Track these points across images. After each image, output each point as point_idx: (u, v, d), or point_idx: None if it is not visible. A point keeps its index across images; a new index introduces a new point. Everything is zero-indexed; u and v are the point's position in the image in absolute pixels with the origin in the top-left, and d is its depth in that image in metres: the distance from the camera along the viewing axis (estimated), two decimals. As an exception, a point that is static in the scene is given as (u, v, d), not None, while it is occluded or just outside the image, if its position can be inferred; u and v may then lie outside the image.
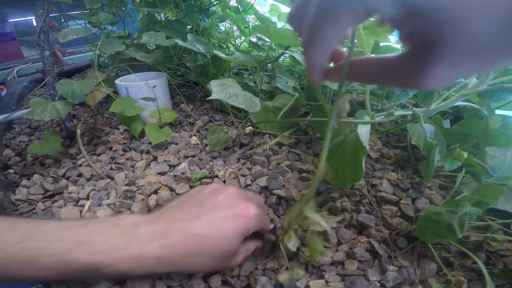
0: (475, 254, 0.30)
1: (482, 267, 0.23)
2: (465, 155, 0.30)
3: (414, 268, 0.30)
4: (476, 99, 0.45)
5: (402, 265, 0.30)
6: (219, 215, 0.26)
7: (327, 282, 0.28)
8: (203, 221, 0.26)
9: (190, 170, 0.39)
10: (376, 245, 0.30)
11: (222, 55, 0.50)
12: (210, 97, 0.38)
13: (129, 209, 0.35)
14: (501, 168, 0.29)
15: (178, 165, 0.43)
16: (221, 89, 0.39)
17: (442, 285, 0.29)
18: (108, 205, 0.36)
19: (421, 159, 0.40)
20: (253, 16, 0.74)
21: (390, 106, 0.51)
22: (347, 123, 0.35)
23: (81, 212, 0.37)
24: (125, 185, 0.39)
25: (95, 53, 0.66)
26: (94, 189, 0.40)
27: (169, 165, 0.43)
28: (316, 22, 0.18)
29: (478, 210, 0.24)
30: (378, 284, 0.28)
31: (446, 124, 0.46)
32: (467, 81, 0.31)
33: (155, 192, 0.36)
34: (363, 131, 0.27)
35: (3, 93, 1.21)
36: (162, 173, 0.40)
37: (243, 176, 0.39)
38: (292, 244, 0.30)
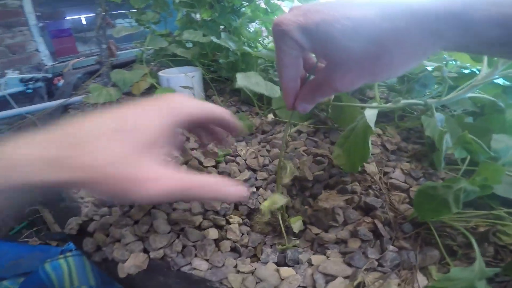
0: (482, 246, 0.30)
1: (476, 248, 0.25)
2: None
3: (416, 253, 0.31)
4: (498, 94, 0.45)
5: (403, 247, 0.31)
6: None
7: (327, 257, 0.31)
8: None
9: (217, 148, 0.45)
10: (379, 225, 0.32)
11: (250, 51, 0.56)
12: (236, 85, 0.43)
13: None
14: (506, 154, 0.30)
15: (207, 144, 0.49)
16: (245, 79, 0.45)
17: (442, 274, 0.30)
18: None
19: (438, 152, 0.41)
20: (281, 17, 0.79)
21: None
22: (357, 107, 0.38)
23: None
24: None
25: (140, 49, 0.76)
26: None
27: (199, 144, 0.49)
28: (275, 56, 0.24)
29: (475, 188, 0.25)
30: (376, 263, 0.29)
31: (469, 120, 0.47)
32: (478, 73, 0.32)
33: (186, 162, 0.41)
34: (370, 113, 0.30)
35: (60, 83, 1.39)
36: (193, 149, 0.46)
37: (262, 156, 0.43)
38: (297, 227, 0.34)
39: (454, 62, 0.57)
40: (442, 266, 0.30)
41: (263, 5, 0.81)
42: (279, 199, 0.30)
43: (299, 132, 0.49)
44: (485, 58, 0.36)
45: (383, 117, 0.56)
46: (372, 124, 0.30)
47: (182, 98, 0.26)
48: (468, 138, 0.28)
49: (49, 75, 1.49)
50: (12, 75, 1.52)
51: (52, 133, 0.20)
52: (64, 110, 0.76)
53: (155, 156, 0.21)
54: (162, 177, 0.21)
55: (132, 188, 0.19)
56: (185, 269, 0.31)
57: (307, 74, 0.29)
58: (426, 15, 0.19)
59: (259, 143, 0.49)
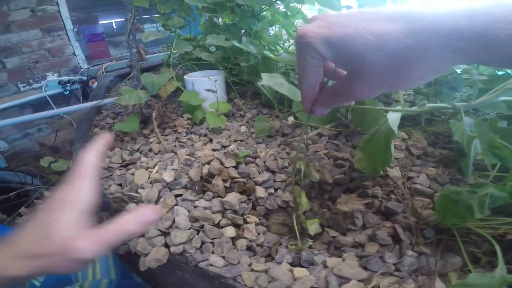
0: (508, 254, 0.29)
1: (499, 254, 0.23)
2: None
3: (437, 259, 0.30)
4: None
5: (423, 252, 0.30)
6: None
7: (343, 260, 0.31)
8: None
9: (238, 149, 0.46)
10: (399, 230, 0.31)
11: (270, 55, 0.56)
12: (260, 83, 0.44)
13: (187, 174, 0.43)
14: None
15: (228, 145, 0.50)
16: (270, 79, 0.46)
17: (462, 281, 0.28)
18: (172, 169, 0.45)
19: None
20: (301, 20, 0.79)
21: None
22: (380, 110, 0.37)
23: (149, 174, 0.47)
24: (186, 155, 0.48)
25: (167, 53, 0.79)
26: (160, 160, 0.50)
27: (221, 145, 0.50)
28: (296, 63, 0.26)
29: (502, 194, 0.24)
30: (393, 267, 0.28)
31: (503, 125, 0.44)
32: None
33: (208, 163, 0.42)
34: (393, 117, 0.30)
35: (94, 85, 1.49)
36: (215, 150, 0.48)
37: (282, 158, 0.44)
38: (313, 229, 0.34)
39: (487, 64, 0.54)
40: (463, 273, 0.29)
41: (282, 9, 0.81)
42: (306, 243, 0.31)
43: (320, 135, 0.49)
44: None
45: (409, 121, 0.54)
46: (395, 128, 0.30)
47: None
48: (497, 143, 0.27)
49: (84, 78, 1.60)
50: (52, 77, 1.65)
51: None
52: (98, 110, 0.81)
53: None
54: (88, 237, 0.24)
55: (69, 257, 0.23)
56: (202, 264, 0.32)
57: (325, 79, 0.29)
58: (450, 33, 0.19)
59: (279, 145, 0.49)
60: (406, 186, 0.37)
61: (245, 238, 0.35)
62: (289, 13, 0.79)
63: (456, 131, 0.39)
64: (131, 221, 0.25)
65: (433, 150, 0.45)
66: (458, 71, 0.48)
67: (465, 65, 0.47)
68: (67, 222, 0.25)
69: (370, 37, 0.21)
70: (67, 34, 1.64)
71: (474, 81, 0.42)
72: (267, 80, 0.46)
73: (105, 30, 1.89)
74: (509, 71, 0.50)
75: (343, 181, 0.38)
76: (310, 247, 0.33)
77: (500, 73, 0.51)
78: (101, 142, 0.31)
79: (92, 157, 0.30)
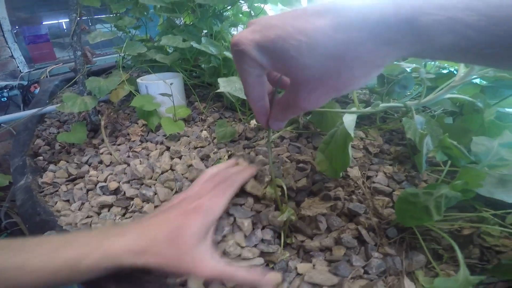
0: (467, 249, 0.30)
1: (460, 256, 0.24)
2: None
3: (402, 258, 0.30)
4: (477, 94, 0.46)
5: (388, 253, 0.30)
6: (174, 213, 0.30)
7: (313, 266, 0.30)
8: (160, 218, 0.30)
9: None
10: (363, 232, 0.32)
11: (231, 56, 0.54)
12: (218, 90, 0.42)
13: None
14: (487, 156, 0.30)
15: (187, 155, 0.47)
16: (228, 84, 0.44)
17: (429, 278, 0.29)
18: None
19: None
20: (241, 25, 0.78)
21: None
22: (336, 113, 0.38)
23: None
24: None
25: (119, 55, 0.73)
26: (111, 173, 0.46)
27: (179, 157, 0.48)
28: (239, 74, 0.24)
29: (456, 193, 0.24)
30: (362, 270, 0.29)
31: (449, 121, 0.47)
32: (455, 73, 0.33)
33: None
34: (349, 119, 0.30)
35: (37, 90, 1.34)
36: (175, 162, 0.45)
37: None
38: (283, 216, 0.32)
39: (432, 63, 0.58)
40: (429, 270, 0.30)
41: (246, 8, 0.80)
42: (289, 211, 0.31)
43: (282, 138, 0.49)
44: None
45: (365, 120, 0.55)
46: (351, 131, 0.30)
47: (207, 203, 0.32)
48: (448, 143, 0.28)
49: (25, 82, 1.43)
50: (-14, 83, 1.46)
51: (133, 230, 0.29)
52: (41, 119, 0.72)
53: (203, 248, 0.28)
54: (208, 264, 0.27)
55: (192, 269, 0.27)
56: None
57: (275, 88, 0.27)
58: (378, 23, 0.18)
59: (244, 149, 0.47)
60: (366, 185, 0.38)
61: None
62: (252, 13, 0.78)
63: (409, 129, 0.41)
64: (249, 277, 0.27)
65: (389, 148, 0.46)
66: (408, 70, 0.50)
67: (414, 64, 0.50)
68: (197, 230, 0.28)
69: (300, 37, 0.19)
70: (3, 36, 1.46)
71: (422, 80, 0.44)
72: (225, 86, 0.44)
73: (51, 31, 1.72)
74: (451, 69, 0.54)
75: (306, 185, 0.38)
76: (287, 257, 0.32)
77: (444, 71, 0.55)
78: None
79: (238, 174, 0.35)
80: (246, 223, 0.33)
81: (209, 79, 0.74)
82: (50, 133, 0.66)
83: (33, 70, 1.52)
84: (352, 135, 0.29)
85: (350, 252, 0.31)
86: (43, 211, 0.41)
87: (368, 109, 0.34)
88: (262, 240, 0.33)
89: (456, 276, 0.22)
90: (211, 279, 0.28)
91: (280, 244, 0.33)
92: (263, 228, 0.34)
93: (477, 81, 0.52)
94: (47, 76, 1.41)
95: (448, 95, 0.38)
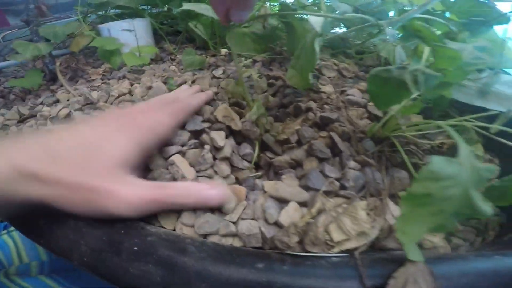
0: None
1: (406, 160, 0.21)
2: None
3: (383, 176, 0.26)
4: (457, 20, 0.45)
5: (366, 162, 0.25)
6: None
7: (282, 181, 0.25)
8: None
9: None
10: (337, 139, 0.27)
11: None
12: (181, 8, 0.39)
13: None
14: (462, 54, 0.28)
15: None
16: (193, 5, 0.40)
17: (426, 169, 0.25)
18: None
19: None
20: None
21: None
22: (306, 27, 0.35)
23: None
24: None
25: (81, 11, 0.67)
26: (65, 106, 0.41)
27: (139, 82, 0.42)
28: None
29: (437, 74, 0.20)
30: (338, 184, 0.24)
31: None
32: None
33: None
34: (315, 19, 0.25)
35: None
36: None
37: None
38: (252, 113, 0.29)
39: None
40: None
41: None
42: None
43: (254, 61, 0.43)
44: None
45: (341, 54, 0.52)
46: (317, 26, 0.26)
47: (149, 118, 0.25)
48: (417, 25, 0.26)
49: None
50: None
51: (26, 145, 0.20)
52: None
53: (127, 178, 0.21)
54: (137, 187, 0.20)
55: (109, 199, 0.19)
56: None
57: None
58: None
59: (212, 78, 0.42)
60: (339, 99, 0.36)
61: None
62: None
63: (383, 49, 0.39)
64: (194, 193, 0.21)
65: (365, 75, 0.43)
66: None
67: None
68: (122, 153, 0.21)
69: None
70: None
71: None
72: (189, 5, 0.41)
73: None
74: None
75: (278, 101, 0.35)
76: (258, 177, 0.27)
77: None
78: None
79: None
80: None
81: (181, 24, 0.69)
82: (4, 88, 0.60)
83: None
84: (319, 30, 0.26)
85: (323, 164, 0.26)
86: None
87: (337, 14, 0.31)
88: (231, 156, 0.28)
89: (461, 158, 0.16)
90: (135, 214, 0.19)
91: (251, 161, 0.28)
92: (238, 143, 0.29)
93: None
94: (1, 42, 1.30)
95: (418, 15, 0.36)
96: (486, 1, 0.42)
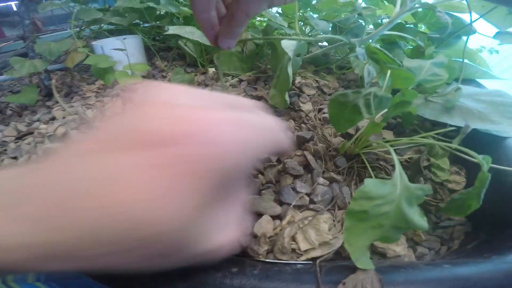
0: (417, 181, 0.29)
1: (397, 163, 0.22)
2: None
3: (351, 190, 0.28)
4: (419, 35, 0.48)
5: (334, 179, 0.28)
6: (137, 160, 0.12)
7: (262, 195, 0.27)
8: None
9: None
10: (309, 157, 0.29)
11: (189, 11, 0.54)
12: (166, 32, 0.41)
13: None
14: (420, 72, 0.29)
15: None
16: (178, 29, 0.43)
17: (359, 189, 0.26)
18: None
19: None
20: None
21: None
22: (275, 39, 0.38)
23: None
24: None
25: (76, 26, 0.70)
26: (61, 125, 0.43)
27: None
28: None
29: (387, 94, 0.23)
30: (307, 199, 0.26)
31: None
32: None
33: None
34: (287, 43, 0.28)
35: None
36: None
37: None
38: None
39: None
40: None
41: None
42: None
43: (240, 80, 0.46)
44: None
45: (323, 71, 0.54)
46: (289, 51, 0.29)
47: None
48: (372, 48, 0.29)
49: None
50: None
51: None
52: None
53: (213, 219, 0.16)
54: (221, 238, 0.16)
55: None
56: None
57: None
58: None
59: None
60: (317, 117, 0.39)
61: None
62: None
63: (356, 66, 0.42)
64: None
65: (345, 91, 0.47)
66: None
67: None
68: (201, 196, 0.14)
69: None
70: None
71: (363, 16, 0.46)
72: (174, 30, 0.43)
73: (-2, 11, 1.60)
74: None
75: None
76: None
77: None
78: None
79: None
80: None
81: (173, 41, 0.72)
82: (1, 102, 0.62)
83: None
84: (291, 55, 0.29)
85: (295, 181, 0.28)
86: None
87: (309, 37, 0.35)
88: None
89: (392, 180, 0.18)
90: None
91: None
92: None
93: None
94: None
95: (386, 32, 0.39)
96: (451, 13, 0.44)
